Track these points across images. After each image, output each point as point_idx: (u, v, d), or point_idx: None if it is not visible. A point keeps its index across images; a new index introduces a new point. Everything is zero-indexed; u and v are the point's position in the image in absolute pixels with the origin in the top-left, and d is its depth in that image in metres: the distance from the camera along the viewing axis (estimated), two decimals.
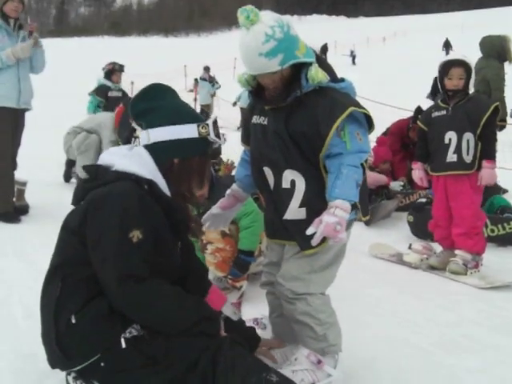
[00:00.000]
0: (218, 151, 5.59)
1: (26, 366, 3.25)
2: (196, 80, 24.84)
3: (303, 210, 3.02)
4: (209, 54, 47.44)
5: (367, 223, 6.79)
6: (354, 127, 2.94)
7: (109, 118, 8.62)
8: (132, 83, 24.04)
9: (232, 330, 2.91)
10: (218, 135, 2.85)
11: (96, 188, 2.65)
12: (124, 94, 10.10)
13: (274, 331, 3.51)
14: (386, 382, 3.33)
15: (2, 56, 6.10)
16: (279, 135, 3.00)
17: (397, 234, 6.72)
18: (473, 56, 5.94)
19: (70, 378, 2.63)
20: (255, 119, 3.17)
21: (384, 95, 20.04)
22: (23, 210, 6.75)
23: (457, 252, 5.27)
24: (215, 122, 2.86)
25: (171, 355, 2.56)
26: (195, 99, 22.60)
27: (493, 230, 6.11)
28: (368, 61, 44.20)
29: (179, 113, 2.81)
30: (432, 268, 5.44)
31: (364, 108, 2.98)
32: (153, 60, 49.09)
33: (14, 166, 6.54)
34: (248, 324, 3.37)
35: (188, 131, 2.78)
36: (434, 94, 5.31)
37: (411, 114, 8.18)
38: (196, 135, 2.79)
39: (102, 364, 2.52)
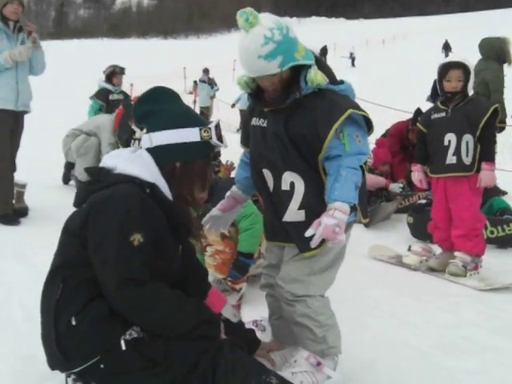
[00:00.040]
0: (218, 153, 5.60)
1: (25, 368, 3.24)
2: (195, 82, 24.85)
3: (302, 212, 3.02)
4: (208, 56, 47.45)
5: (366, 225, 6.78)
6: (353, 129, 2.94)
7: (108, 121, 8.60)
8: (131, 85, 24.02)
9: (232, 333, 2.92)
10: (220, 139, 2.85)
11: (98, 190, 2.66)
12: (126, 96, 10.06)
13: (274, 333, 3.51)
14: None
15: (0, 59, 6.09)
16: (278, 137, 3.01)
17: (396, 236, 6.71)
18: (472, 58, 5.94)
19: (70, 380, 2.63)
20: (254, 121, 3.17)
21: (383, 97, 20.04)
22: (23, 212, 6.74)
23: (456, 254, 5.27)
24: (218, 126, 2.86)
25: (171, 358, 2.57)
26: (194, 101, 22.60)
27: (492, 232, 6.11)
28: (367, 63, 44.22)
29: (182, 116, 2.81)
30: (431, 270, 5.45)
31: (363, 110, 2.98)
32: (152, 62, 49.11)
33: (13, 168, 6.54)
34: (247, 326, 3.36)
35: (190, 135, 2.78)
36: (434, 96, 5.30)
37: (411, 115, 8.18)
38: (198, 139, 2.79)
39: (102, 366, 2.52)
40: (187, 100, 18.00)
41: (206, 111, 21.08)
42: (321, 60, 3.06)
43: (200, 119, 2.91)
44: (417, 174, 5.49)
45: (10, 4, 6.15)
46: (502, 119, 7.04)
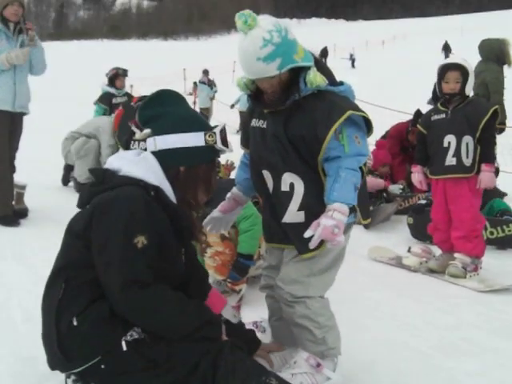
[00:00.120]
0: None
1: (25, 369, 3.24)
2: (195, 83, 24.85)
3: (302, 213, 3.02)
4: (208, 58, 47.47)
5: (366, 226, 6.78)
6: (353, 130, 2.94)
7: (107, 123, 8.60)
8: (131, 86, 24.03)
9: (232, 334, 2.92)
10: (225, 143, 2.84)
11: (102, 192, 2.66)
12: (130, 98, 10.02)
13: (274, 334, 3.51)
14: None
15: None
16: (278, 138, 3.01)
17: (396, 237, 6.71)
18: (472, 59, 5.95)
19: (70, 381, 2.63)
20: (254, 122, 3.18)
21: (383, 98, 20.04)
22: (22, 213, 6.74)
23: (456, 255, 5.27)
24: (223, 130, 2.85)
25: (173, 359, 2.57)
26: (194, 102, 22.60)
27: (492, 233, 6.12)
28: (367, 64, 44.22)
29: (186, 120, 2.81)
30: (431, 271, 5.44)
31: (363, 111, 2.98)
32: (152, 63, 49.13)
33: (12, 169, 6.53)
34: (247, 327, 3.37)
35: (195, 139, 2.78)
36: (435, 99, 5.31)
37: (410, 117, 8.18)
38: (203, 143, 2.79)
39: (103, 366, 2.52)
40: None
41: (206, 112, 21.06)
42: (320, 61, 3.06)
43: (205, 123, 2.90)
44: (417, 176, 5.49)
45: (11, 5, 6.14)
46: (502, 121, 7.04)
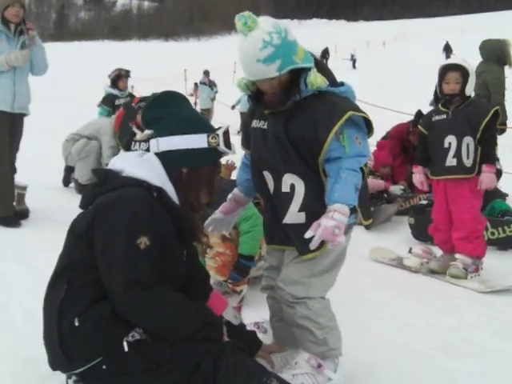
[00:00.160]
0: None
1: (25, 369, 3.24)
2: (196, 84, 24.88)
3: (302, 214, 3.02)
4: (209, 58, 47.50)
5: (367, 227, 6.78)
6: (353, 131, 2.94)
7: (108, 124, 8.61)
8: (132, 87, 24.03)
9: (233, 335, 2.92)
10: (228, 145, 2.84)
11: (105, 193, 2.66)
12: (133, 98, 10.00)
13: (275, 335, 3.52)
14: None
15: None
16: (279, 139, 3.01)
17: (397, 238, 6.71)
18: (473, 60, 5.94)
19: (71, 382, 2.64)
20: (255, 123, 3.18)
21: (384, 99, 20.06)
22: (23, 214, 6.74)
23: (457, 256, 5.27)
24: (226, 132, 2.85)
25: (174, 360, 2.57)
26: (195, 103, 22.61)
27: (493, 233, 6.11)
28: (368, 65, 44.23)
29: (190, 122, 2.81)
30: (432, 272, 5.44)
31: (363, 112, 2.98)
32: (153, 64, 49.15)
33: (13, 170, 6.53)
34: (249, 328, 3.37)
35: (198, 141, 2.78)
36: (437, 100, 5.31)
37: (411, 117, 8.18)
38: (205, 145, 2.79)
39: (104, 367, 2.52)
40: None
41: (207, 113, 21.08)
42: (320, 62, 3.06)
43: (208, 125, 2.90)
44: (418, 176, 5.49)
45: (12, 7, 6.14)
46: (503, 121, 7.04)
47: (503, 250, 6.15)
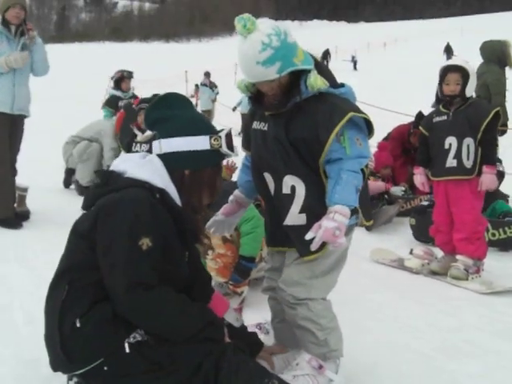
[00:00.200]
0: None
1: (27, 371, 3.25)
2: (197, 86, 24.89)
3: (303, 215, 3.02)
4: (210, 60, 47.49)
5: (368, 228, 6.79)
6: (354, 132, 2.94)
7: (108, 126, 8.62)
8: (133, 89, 24.07)
9: (234, 336, 2.92)
10: (230, 147, 2.84)
11: (107, 194, 2.66)
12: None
13: (276, 336, 3.52)
14: None
15: None
16: (279, 141, 3.01)
17: (398, 239, 6.71)
18: (474, 61, 5.95)
19: (72, 383, 2.63)
20: (255, 125, 3.18)
21: (385, 100, 20.04)
22: (24, 215, 6.75)
23: (458, 257, 5.27)
24: (228, 134, 2.85)
25: (175, 361, 2.57)
26: (196, 105, 22.62)
27: (494, 234, 6.11)
28: (369, 66, 44.21)
29: (192, 124, 2.81)
30: (433, 273, 5.44)
31: (364, 113, 2.99)
32: (154, 66, 49.16)
33: (14, 172, 6.54)
34: (251, 329, 3.38)
35: (200, 143, 2.78)
36: (438, 102, 5.32)
37: (412, 119, 8.18)
38: (208, 147, 2.79)
39: (106, 368, 2.52)
40: None
41: (208, 115, 21.08)
42: (320, 64, 3.06)
43: (211, 127, 2.90)
44: (419, 177, 5.49)
45: (13, 8, 6.16)
46: (504, 122, 7.04)
47: (504, 251, 6.15)
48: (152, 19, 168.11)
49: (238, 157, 3.27)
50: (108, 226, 2.56)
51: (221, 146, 2.80)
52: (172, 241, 2.70)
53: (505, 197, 6.87)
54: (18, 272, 5.03)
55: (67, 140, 8.69)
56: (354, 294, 4.68)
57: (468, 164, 5.08)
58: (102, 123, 8.86)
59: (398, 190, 7.66)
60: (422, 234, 6.42)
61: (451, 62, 5.36)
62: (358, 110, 2.96)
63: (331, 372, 3.06)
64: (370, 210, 3.37)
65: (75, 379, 2.61)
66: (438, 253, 5.64)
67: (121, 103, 9.42)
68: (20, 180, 6.79)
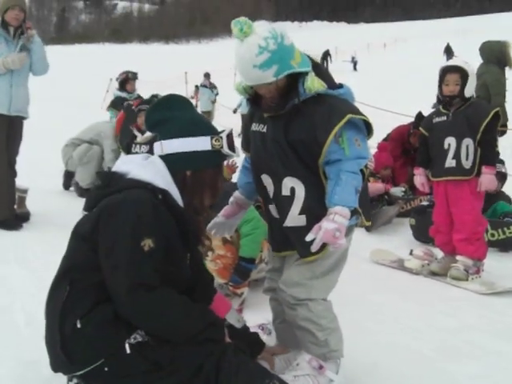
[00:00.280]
0: None
1: (27, 373, 3.25)
2: (197, 87, 24.89)
3: (303, 216, 3.03)
4: (210, 61, 47.45)
5: (368, 229, 6.79)
6: (353, 133, 2.95)
7: (108, 127, 8.62)
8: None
9: (235, 336, 2.93)
10: (232, 148, 2.85)
11: (110, 195, 2.66)
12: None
13: (278, 337, 3.53)
14: None
15: None
16: (278, 143, 3.01)
17: (398, 240, 6.71)
18: (474, 62, 5.95)
19: None
20: (254, 126, 3.19)
21: (385, 101, 20.03)
22: (24, 217, 6.74)
23: (458, 258, 5.27)
24: (229, 135, 2.86)
25: (176, 361, 2.57)
26: (196, 106, 22.62)
27: (493, 235, 6.11)
28: (369, 67, 44.23)
29: (193, 125, 2.81)
30: (433, 274, 5.44)
31: (362, 114, 2.99)
32: (153, 67, 49.08)
33: (13, 173, 6.53)
34: (253, 330, 3.38)
35: (201, 144, 2.78)
36: (439, 103, 5.33)
37: (412, 119, 8.18)
38: (209, 148, 2.79)
39: (106, 369, 2.52)
40: None
41: (208, 116, 21.08)
42: (318, 65, 3.06)
43: (212, 127, 2.90)
44: (419, 178, 5.49)
45: (12, 10, 6.16)
46: (504, 123, 7.05)
47: (504, 251, 6.15)
48: (152, 20, 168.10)
49: (240, 157, 3.27)
50: (110, 227, 2.56)
51: (222, 147, 2.81)
52: (174, 242, 2.71)
53: (508, 198, 6.85)
54: (19, 273, 5.02)
55: (67, 143, 8.68)
56: (353, 294, 4.68)
57: (467, 164, 5.08)
58: (102, 125, 8.86)
59: (397, 191, 7.66)
60: (421, 234, 6.43)
61: (450, 62, 5.37)
62: (356, 112, 2.96)
63: (332, 372, 3.06)
64: (369, 210, 3.37)
65: (75, 380, 2.61)
66: (438, 253, 5.65)
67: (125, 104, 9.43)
68: (20, 182, 6.79)
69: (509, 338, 4.08)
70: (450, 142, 5.14)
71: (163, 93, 3.82)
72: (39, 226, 6.59)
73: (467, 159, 5.08)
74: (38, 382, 3.13)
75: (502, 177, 6.58)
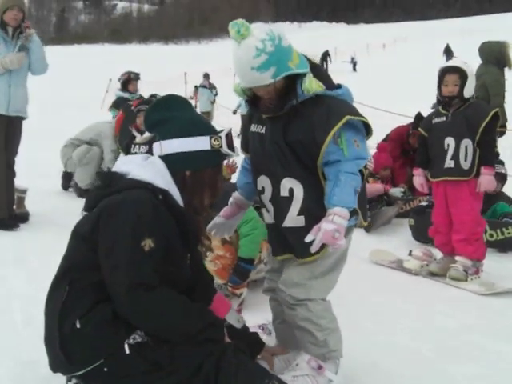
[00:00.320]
0: None
1: (25, 373, 3.25)
2: (196, 87, 24.87)
3: (302, 217, 3.03)
4: (209, 61, 47.46)
5: (367, 230, 6.79)
6: (351, 134, 2.95)
7: (108, 128, 8.61)
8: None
9: (235, 336, 2.93)
10: (231, 147, 2.85)
11: (109, 195, 2.66)
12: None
13: (278, 337, 3.53)
14: None
15: None
16: (277, 144, 3.02)
17: (397, 241, 6.71)
18: (473, 62, 5.95)
19: None
20: (253, 128, 3.19)
21: (384, 101, 20.03)
22: (23, 217, 6.74)
23: (457, 258, 5.27)
24: (228, 134, 2.86)
25: (175, 361, 2.57)
26: (195, 106, 22.60)
27: (492, 235, 6.11)
28: (368, 67, 44.24)
29: (192, 125, 2.82)
30: (432, 274, 5.44)
31: (361, 115, 2.99)
32: (153, 67, 49.09)
33: (12, 174, 6.53)
34: (254, 330, 3.38)
35: (200, 143, 2.78)
36: (439, 103, 5.34)
37: (411, 120, 8.18)
38: (208, 147, 2.79)
39: (105, 369, 2.52)
40: None
41: (207, 116, 21.08)
42: (316, 66, 3.06)
43: (211, 127, 2.91)
44: (418, 179, 5.49)
45: (10, 10, 6.16)
46: (503, 123, 7.04)
47: (503, 252, 6.15)
48: (151, 21, 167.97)
49: (240, 157, 3.27)
50: (110, 227, 2.57)
51: (221, 146, 2.81)
52: (174, 242, 2.71)
53: (508, 199, 6.85)
54: (17, 274, 5.02)
55: (66, 143, 8.66)
56: (352, 295, 4.68)
57: (465, 165, 5.08)
58: (102, 125, 8.86)
59: (397, 192, 7.65)
60: (421, 234, 6.43)
61: (449, 63, 5.37)
62: (355, 113, 2.97)
63: (331, 372, 3.07)
64: (366, 211, 3.37)
65: (74, 380, 2.61)
66: (437, 254, 5.65)
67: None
68: (19, 182, 6.78)
69: (508, 339, 4.08)
70: (449, 142, 5.14)
71: (162, 93, 3.82)
72: (38, 227, 6.59)
73: (466, 160, 5.08)
74: (36, 382, 3.13)
75: (501, 178, 6.58)
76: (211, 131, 2.84)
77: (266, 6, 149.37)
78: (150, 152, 2.89)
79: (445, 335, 4.10)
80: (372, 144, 5.20)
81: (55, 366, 2.65)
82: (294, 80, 2.91)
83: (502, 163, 6.73)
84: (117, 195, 2.63)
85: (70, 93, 28.78)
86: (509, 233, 6.09)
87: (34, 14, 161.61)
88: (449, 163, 5.14)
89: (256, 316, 3.92)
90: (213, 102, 22.57)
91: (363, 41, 68.09)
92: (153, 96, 9.16)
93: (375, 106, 16.16)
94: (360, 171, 2.97)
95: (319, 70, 3.03)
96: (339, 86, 3.07)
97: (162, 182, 2.71)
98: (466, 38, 57.22)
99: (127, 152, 6.74)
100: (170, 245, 2.66)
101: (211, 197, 2.91)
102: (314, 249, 2.81)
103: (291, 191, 3.02)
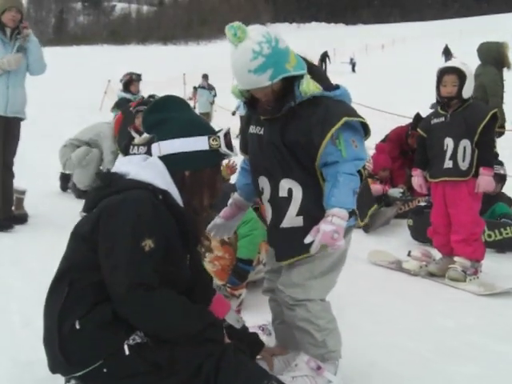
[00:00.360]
0: None
1: (23, 374, 3.25)
2: (195, 88, 24.87)
3: (300, 218, 3.03)
4: (208, 62, 47.45)
5: (366, 230, 6.80)
6: (349, 135, 2.95)
7: (107, 128, 8.61)
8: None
9: (234, 336, 2.93)
10: (229, 147, 2.85)
11: (109, 195, 2.66)
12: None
13: (277, 337, 3.53)
14: None
15: None
16: (275, 145, 3.02)
17: (396, 241, 6.71)
18: (472, 63, 5.96)
19: None
20: (252, 129, 3.20)
21: (383, 102, 20.02)
22: (22, 218, 6.74)
23: (456, 259, 5.27)
24: (227, 134, 2.86)
25: (175, 362, 2.57)
26: (194, 107, 22.59)
27: (490, 236, 6.11)
28: (367, 68, 44.24)
29: (191, 125, 2.82)
30: (431, 275, 5.45)
31: (359, 116, 2.99)
32: (152, 68, 49.09)
33: (11, 175, 6.52)
34: (253, 330, 3.38)
35: (199, 143, 2.79)
36: (438, 104, 5.34)
37: (410, 120, 8.18)
38: (207, 147, 2.80)
39: (105, 370, 2.52)
40: None
41: (206, 117, 21.07)
42: (314, 67, 3.07)
43: (209, 127, 2.91)
44: (417, 179, 5.50)
45: (8, 11, 6.16)
46: (501, 124, 7.04)
47: (501, 252, 6.15)
48: (150, 22, 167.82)
49: (239, 157, 3.27)
50: (110, 227, 2.56)
51: (220, 146, 2.81)
52: (174, 242, 2.71)
53: (508, 200, 6.85)
54: (16, 275, 5.02)
55: (65, 143, 8.66)
56: (351, 295, 4.68)
57: (463, 166, 5.08)
58: (102, 125, 8.86)
59: (395, 192, 7.65)
60: (419, 234, 6.43)
61: (448, 63, 5.38)
62: (352, 114, 2.97)
63: (330, 373, 3.07)
64: (366, 212, 3.37)
65: (74, 381, 2.60)
66: (436, 254, 5.65)
67: None
68: (18, 183, 6.78)
69: (507, 339, 4.08)
70: (448, 142, 5.14)
71: (161, 94, 3.82)
72: (37, 228, 6.59)
73: (464, 160, 5.08)
74: (34, 383, 3.13)
75: (500, 178, 6.58)
76: (209, 131, 2.85)
77: (264, 6, 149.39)
78: (148, 153, 2.89)
79: (444, 335, 4.11)
80: (370, 145, 5.20)
81: (54, 367, 2.64)
82: (291, 82, 2.91)
83: (501, 164, 6.72)
84: (117, 195, 2.63)
85: (69, 94, 28.76)
86: (507, 233, 6.09)
87: (32, 15, 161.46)
88: (447, 164, 5.15)
89: (256, 317, 3.92)
90: (212, 103, 22.57)
91: (362, 41, 68.18)
92: (151, 97, 9.17)
93: (374, 106, 16.16)
94: (359, 172, 2.97)
95: (317, 71, 3.04)
96: (337, 87, 3.07)
97: (162, 183, 2.71)
98: (465, 38, 57.30)
99: (126, 153, 6.74)
100: (170, 245, 2.66)
101: (210, 197, 2.91)
102: (313, 250, 2.82)
103: (290, 192, 3.03)
